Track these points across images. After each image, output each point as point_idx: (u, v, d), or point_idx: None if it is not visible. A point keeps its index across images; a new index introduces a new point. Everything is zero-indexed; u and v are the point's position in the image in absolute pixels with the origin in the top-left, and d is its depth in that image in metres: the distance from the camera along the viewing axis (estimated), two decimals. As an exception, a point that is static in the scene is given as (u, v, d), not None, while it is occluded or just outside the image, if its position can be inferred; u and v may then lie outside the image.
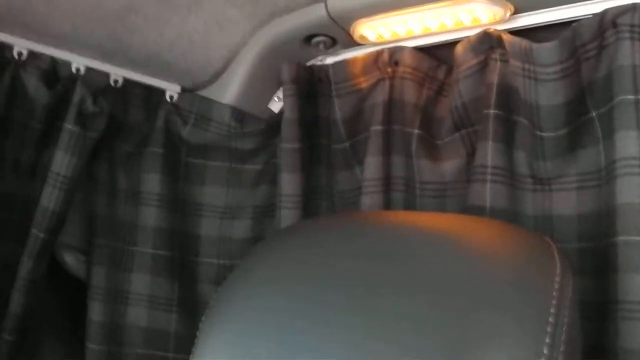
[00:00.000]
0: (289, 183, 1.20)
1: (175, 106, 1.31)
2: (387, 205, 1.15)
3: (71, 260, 1.30)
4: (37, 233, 1.17)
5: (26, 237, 1.18)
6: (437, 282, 0.68)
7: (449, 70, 1.17)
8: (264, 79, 1.29)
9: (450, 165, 1.14)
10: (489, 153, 1.04)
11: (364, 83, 1.20)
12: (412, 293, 0.67)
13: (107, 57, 1.22)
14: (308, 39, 1.22)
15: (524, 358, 0.59)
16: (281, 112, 1.25)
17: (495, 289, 0.65)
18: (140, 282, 1.30)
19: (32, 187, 1.21)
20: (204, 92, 1.33)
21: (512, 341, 0.61)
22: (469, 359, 0.61)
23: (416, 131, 1.15)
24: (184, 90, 1.33)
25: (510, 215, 1.03)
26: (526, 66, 1.02)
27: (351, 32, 1.18)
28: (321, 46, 1.23)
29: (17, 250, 1.19)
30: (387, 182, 1.16)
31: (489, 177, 1.04)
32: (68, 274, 1.32)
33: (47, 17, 1.12)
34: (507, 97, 1.06)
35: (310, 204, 1.23)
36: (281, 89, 1.26)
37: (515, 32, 1.09)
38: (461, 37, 1.14)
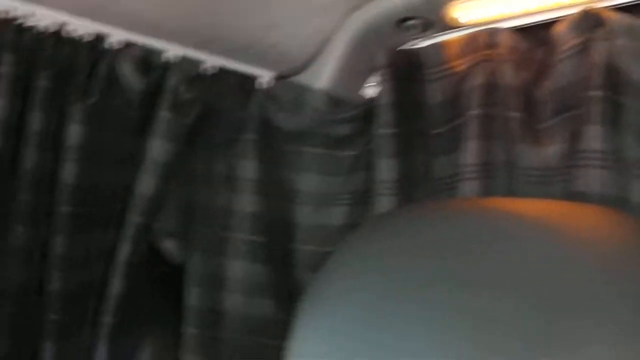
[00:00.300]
0: (386, 169, 1.19)
1: (269, 93, 1.32)
2: (487, 191, 1.14)
3: (168, 246, 1.33)
4: (133, 218, 1.23)
5: (124, 223, 1.23)
6: (536, 279, 0.63)
7: (550, 51, 1.14)
8: (358, 63, 1.29)
9: (553, 150, 1.11)
10: (595, 136, 1.01)
11: (461, 66, 1.18)
12: (508, 290, 0.63)
13: (200, 45, 1.25)
14: (401, 22, 1.22)
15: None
16: (376, 97, 1.24)
17: (602, 290, 0.61)
18: (236, 268, 1.33)
19: (130, 175, 1.24)
20: (298, 78, 1.35)
21: (614, 350, 0.57)
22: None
23: (517, 114, 1.13)
24: (277, 76, 1.34)
25: (618, 203, 1.00)
26: (633, 44, 0.98)
27: (446, 15, 1.18)
28: (415, 30, 1.22)
29: (116, 237, 1.25)
30: (486, 167, 1.14)
31: (595, 162, 1.00)
32: (165, 259, 1.33)
33: (141, 8, 1.15)
34: (613, 78, 1.02)
35: (408, 190, 1.21)
36: (376, 73, 1.24)
37: (618, 9, 1.05)
38: (561, 17, 1.12)
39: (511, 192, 1.14)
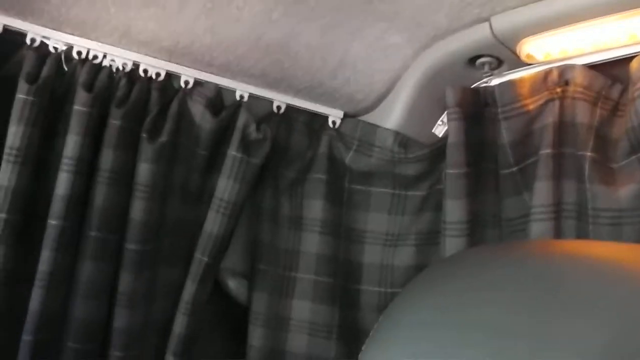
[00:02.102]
0: (455, 210, 1.22)
1: (338, 132, 1.37)
2: (558, 233, 1.16)
3: (234, 284, 1.38)
4: (200, 257, 1.29)
5: (191, 261, 1.29)
6: (612, 329, 0.63)
7: (624, 89, 1.16)
8: (428, 102, 1.33)
9: (626, 191, 1.12)
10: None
11: (533, 104, 1.21)
12: (580, 338, 0.64)
13: (270, 84, 1.30)
14: (472, 60, 1.26)
15: None
16: (446, 136, 1.28)
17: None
18: (301, 309, 1.37)
19: (197, 212, 1.31)
20: (367, 117, 1.39)
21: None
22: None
23: (589, 154, 1.15)
24: (346, 115, 1.39)
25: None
26: None
27: (517, 52, 1.21)
28: (486, 67, 1.25)
29: (182, 274, 1.30)
30: (557, 208, 1.16)
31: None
32: (230, 298, 1.37)
33: (213, 48, 1.22)
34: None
35: (477, 231, 1.24)
36: (445, 112, 1.27)
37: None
38: (636, 53, 1.13)
39: (583, 234, 1.15)
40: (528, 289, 0.74)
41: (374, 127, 1.37)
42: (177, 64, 1.28)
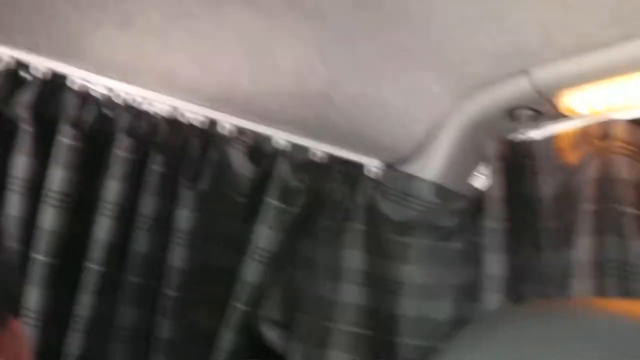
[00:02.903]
0: (494, 264, 1.22)
1: (376, 182, 1.38)
2: (600, 291, 1.15)
3: (270, 334, 1.38)
4: (237, 305, 1.30)
5: (227, 308, 1.30)
6: None
7: (668, 144, 1.15)
8: (466, 153, 1.34)
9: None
10: None
11: (573, 158, 1.21)
12: None
13: (309, 133, 1.33)
14: (511, 111, 1.27)
15: None
16: (486, 189, 1.27)
17: None
18: None
19: (235, 260, 1.32)
20: (405, 167, 1.40)
21: None
22: None
23: (632, 210, 1.14)
24: (385, 165, 1.39)
25: None
26: None
27: (557, 104, 1.22)
28: (525, 119, 1.26)
29: (219, 322, 1.31)
30: (599, 265, 1.15)
31: None
32: (267, 347, 1.38)
33: (254, 96, 1.24)
34: None
35: (516, 286, 1.23)
36: (484, 164, 1.28)
37: None
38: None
39: (626, 293, 1.14)
40: (578, 348, 0.73)
41: (412, 177, 1.38)
42: (218, 110, 1.31)
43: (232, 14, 1.12)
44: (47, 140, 1.22)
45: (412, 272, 1.39)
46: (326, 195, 1.38)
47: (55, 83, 1.25)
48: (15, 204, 1.18)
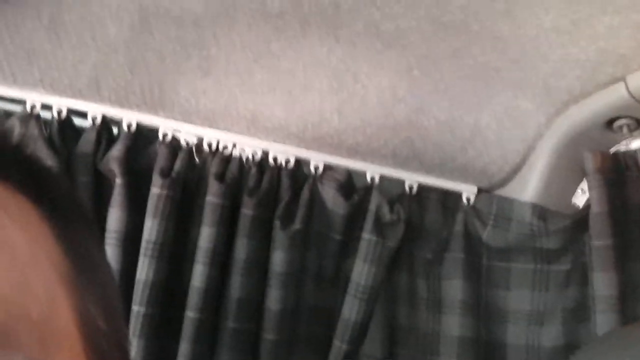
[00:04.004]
0: (604, 283, 1.18)
1: (473, 208, 1.36)
2: None
3: (373, 371, 1.35)
4: (340, 344, 1.30)
5: (329, 348, 1.30)
6: None
7: None
8: (565, 170, 1.31)
9: None
10: None
11: None
12: None
13: (400, 163, 1.32)
14: (609, 123, 1.24)
15: None
16: (587, 205, 1.24)
17: None
18: None
19: (333, 298, 1.30)
20: (502, 191, 1.38)
21: None
22: None
23: None
24: (480, 190, 1.39)
25: None
26: None
27: (657, 111, 1.16)
28: (625, 129, 1.23)
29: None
30: None
31: None
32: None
33: (341, 130, 1.25)
34: None
35: (629, 305, 1.18)
36: (585, 180, 1.24)
37: None
38: None
39: None
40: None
41: (510, 200, 1.35)
42: (306, 148, 1.32)
43: (312, 48, 1.14)
44: (141, 192, 1.25)
45: (517, 298, 1.36)
46: (423, 226, 1.37)
47: (145, 135, 1.29)
48: (113, 257, 1.21)
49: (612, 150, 1.29)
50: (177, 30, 1.14)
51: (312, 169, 1.33)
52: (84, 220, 0.52)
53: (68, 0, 1.11)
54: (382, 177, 1.34)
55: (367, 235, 1.30)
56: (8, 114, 1.27)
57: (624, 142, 1.27)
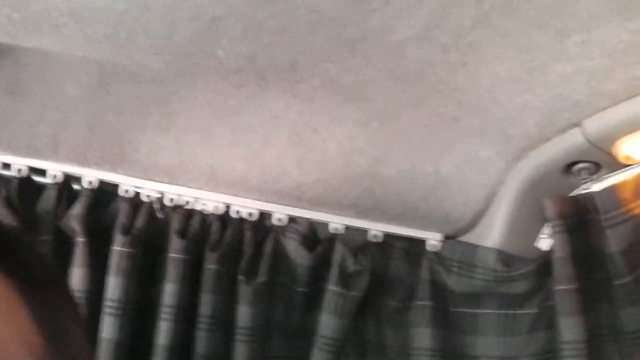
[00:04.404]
0: (570, 328, 1.18)
1: (437, 255, 1.37)
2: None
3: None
4: None
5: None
6: None
7: None
8: (527, 215, 1.33)
9: None
10: None
11: (638, 208, 1.16)
12: None
13: (363, 213, 1.33)
14: (568, 167, 1.26)
15: None
16: (550, 250, 1.24)
17: None
18: None
19: (301, 351, 1.31)
20: (467, 237, 1.40)
21: None
22: None
23: None
24: (445, 237, 1.37)
25: None
26: None
27: (614, 154, 1.20)
28: (584, 173, 1.24)
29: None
30: None
31: None
32: None
33: (302, 182, 1.27)
34: None
35: (596, 348, 1.18)
36: (547, 224, 1.25)
37: None
38: None
39: None
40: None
41: (474, 247, 1.36)
42: (267, 202, 1.32)
43: (270, 103, 1.14)
44: (102, 250, 1.24)
45: (485, 345, 1.35)
46: (388, 275, 1.37)
47: (106, 192, 1.28)
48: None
49: (573, 193, 1.30)
50: (136, 88, 1.14)
51: (274, 221, 1.33)
52: (54, 283, 0.52)
53: (26, 60, 1.11)
54: (346, 228, 1.34)
55: (332, 287, 1.30)
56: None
57: (584, 186, 1.28)
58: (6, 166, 1.26)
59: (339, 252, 1.32)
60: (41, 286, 0.49)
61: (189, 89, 1.14)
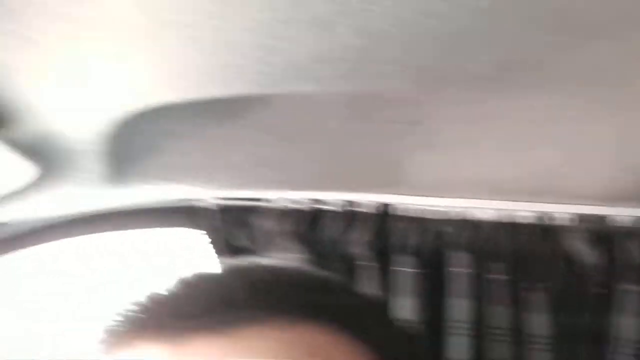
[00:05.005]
0: None
1: None
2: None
3: None
4: None
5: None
6: None
7: None
8: None
9: None
10: None
11: None
12: None
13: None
14: None
15: None
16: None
17: None
18: None
19: (602, 356, 1.26)
20: None
21: None
22: None
23: None
24: None
25: None
26: None
27: None
28: None
29: None
30: None
31: None
32: None
33: (575, 180, 1.20)
34: None
35: None
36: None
37: None
38: None
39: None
40: None
41: None
42: (546, 202, 1.28)
43: (523, 103, 1.10)
44: (387, 272, 1.27)
45: None
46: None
47: (384, 214, 1.31)
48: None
49: None
50: (393, 111, 1.16)
51: (556, 222, 1.28)
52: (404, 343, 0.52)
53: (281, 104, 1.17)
54: (633, 220, 1.26)
55: (628, 287, 1.23)
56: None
57: None
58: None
59: (629, 247, 1.24)
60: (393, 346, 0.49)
61: (439, 104, 1.13)
